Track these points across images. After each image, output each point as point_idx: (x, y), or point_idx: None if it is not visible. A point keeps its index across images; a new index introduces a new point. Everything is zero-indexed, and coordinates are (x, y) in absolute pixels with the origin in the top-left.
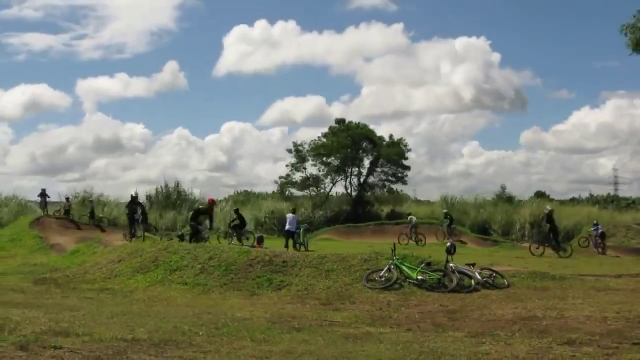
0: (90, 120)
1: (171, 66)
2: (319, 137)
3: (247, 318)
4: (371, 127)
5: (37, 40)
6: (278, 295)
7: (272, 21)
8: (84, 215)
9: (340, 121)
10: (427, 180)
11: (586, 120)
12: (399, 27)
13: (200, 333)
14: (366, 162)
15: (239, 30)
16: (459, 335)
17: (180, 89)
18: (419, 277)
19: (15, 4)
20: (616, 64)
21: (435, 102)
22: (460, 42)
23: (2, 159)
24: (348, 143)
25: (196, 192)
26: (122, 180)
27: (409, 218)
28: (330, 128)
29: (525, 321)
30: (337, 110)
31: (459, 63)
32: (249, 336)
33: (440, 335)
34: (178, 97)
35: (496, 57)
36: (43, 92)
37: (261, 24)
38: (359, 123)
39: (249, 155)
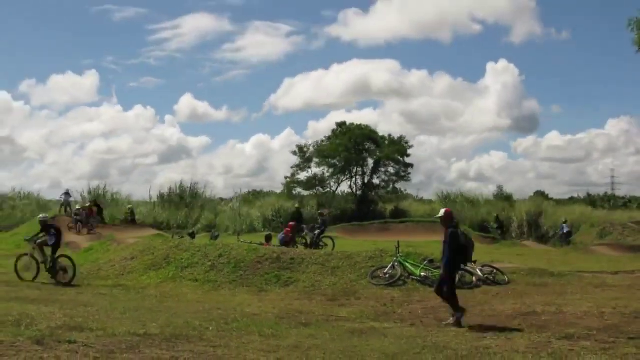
0: (162, 133)
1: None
2: (322, 140)
3: (256, 314)
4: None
5: (151, 83)
6: (286, 291)
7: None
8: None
9: (341, 124)
10: (441, 183)
11: (588, 137)
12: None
13: (211, 328)
14: (370, 162)
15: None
16: (461, 330)
17: (265, 115)
18: (422, 274)
19: (141, 55)
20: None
21: (466, 125)
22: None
23: (67, 166)
24: (350, 145)
25: (210, 192)
26: (155, 183)
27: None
28: (333, 131)
29: (525, 316)
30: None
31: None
32: (258, 331)
33: (442, 330)
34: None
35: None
36: (141, 114)
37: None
38: (360, 125)
39: (288, 162)
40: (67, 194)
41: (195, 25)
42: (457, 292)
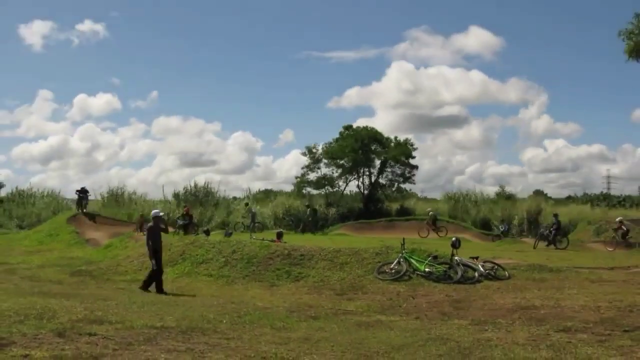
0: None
1: None
2: (330, 142)
3: (268, 307)
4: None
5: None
6: (296, 286)
7: None
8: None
9: (348, 127)
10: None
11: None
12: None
13: (224, 321)
14: (377, 163)
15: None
16: (463, 323)
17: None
18: (427, 270)
19: None
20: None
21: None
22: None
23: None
24: (357, 146)
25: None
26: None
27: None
28: (340, 133)
29: (525, 310)
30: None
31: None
32: (269, 324)
33: (446, 323)
34: None
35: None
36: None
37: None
38: (366, 127)
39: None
40: (82, 191)
41: None
42: (460, 286)
